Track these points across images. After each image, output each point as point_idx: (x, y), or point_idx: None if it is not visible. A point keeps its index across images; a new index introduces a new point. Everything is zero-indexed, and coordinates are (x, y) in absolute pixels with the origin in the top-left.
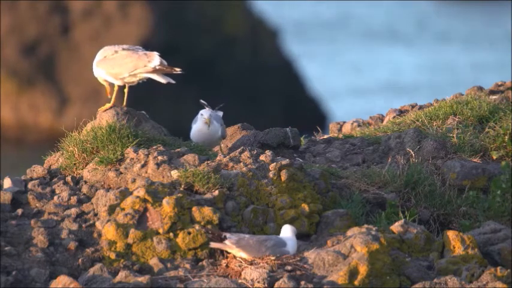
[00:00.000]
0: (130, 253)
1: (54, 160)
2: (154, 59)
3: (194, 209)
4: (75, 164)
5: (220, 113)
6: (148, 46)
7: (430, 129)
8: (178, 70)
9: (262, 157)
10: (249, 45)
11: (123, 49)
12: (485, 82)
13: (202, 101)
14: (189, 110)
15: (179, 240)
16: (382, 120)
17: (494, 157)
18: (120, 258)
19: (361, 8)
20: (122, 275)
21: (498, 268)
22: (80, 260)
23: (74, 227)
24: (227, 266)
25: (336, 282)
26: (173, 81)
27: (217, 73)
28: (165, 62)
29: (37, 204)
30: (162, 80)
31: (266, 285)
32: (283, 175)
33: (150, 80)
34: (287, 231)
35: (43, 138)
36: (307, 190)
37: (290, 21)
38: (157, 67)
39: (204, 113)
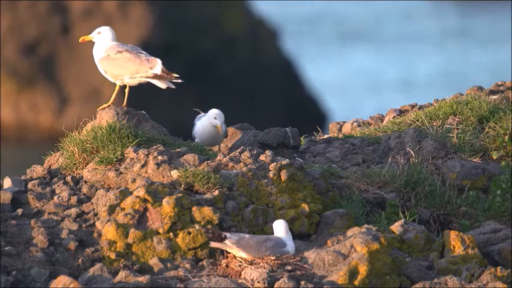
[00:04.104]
0: (131, 253)
1: (54, 160)
2: (157, 66)
3: (194, 209)
4: (75, 164)
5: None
6: (148, 46)
7: (430, 129)
8: (177, 76)
9: (262, 157)
10: (249, 45)
11: (126, 50)
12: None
13: (196, 109)
14: (189, 110)
15: (179, 240)
16: (382, 120)
17: (494, 157)
18: (120, 258)
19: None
20: (121, 275)
21: (498, 268)
22: (80, 260)
23: (74, 227)
24: (227, 266)
25: (336, 282)
26: (173, 86)
27: (217, 73)
28: (166, 69)
29: (37, 204)
30: (162, 85)
31: (266, 285)
32: (283, 175)
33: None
34: (281, 228)
35: (43, 138)
36: (307, 190)
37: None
38: (158, 74)
39: (218, 119)
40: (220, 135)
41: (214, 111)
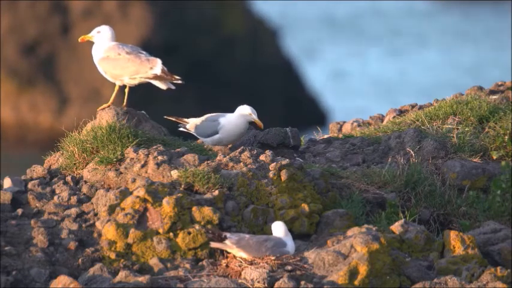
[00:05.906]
0: (131, 253)
1: (54, 160)
2: (157, 66)
3: (194, 209)
4: (75, 164)
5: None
6: (148, 46)
7: (430, 129)
8: (178, 78)
9: (262, 157)
10: (249, 45)
11: (127, 52)
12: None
13: (167, 117)
14: (189, 110)
15: (179, 240)
16: (382, 120)
17: (494, 157)
18: (120, 258)
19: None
20: (121, 275)
21: (498, 268)
22: (80, 260)
23: (74, 227)
24: (227, 266)
25: (336, 282)
26: (173, 87)
27: (217, 73)
28: (166, 69)
29: (37, 204)
30: (162, 86)
31: (266, 285)
32: (283, 175)
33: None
34: (280, 229)
35: (43, 138)
36: (307, 190)
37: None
38: (158, 74)
39: (255, 114)
40: (245, 133)
41: (247, 108)
